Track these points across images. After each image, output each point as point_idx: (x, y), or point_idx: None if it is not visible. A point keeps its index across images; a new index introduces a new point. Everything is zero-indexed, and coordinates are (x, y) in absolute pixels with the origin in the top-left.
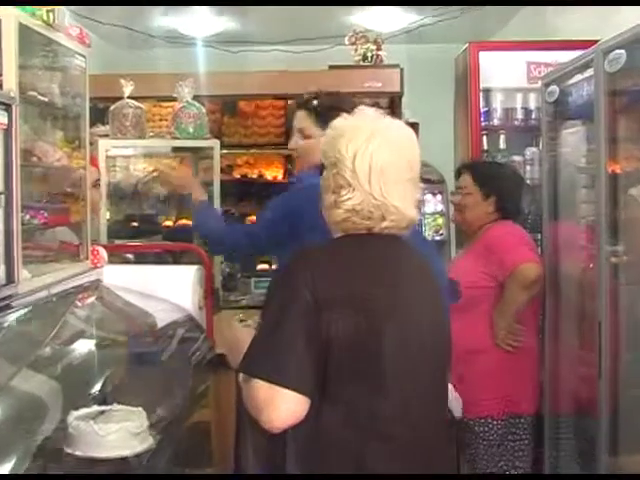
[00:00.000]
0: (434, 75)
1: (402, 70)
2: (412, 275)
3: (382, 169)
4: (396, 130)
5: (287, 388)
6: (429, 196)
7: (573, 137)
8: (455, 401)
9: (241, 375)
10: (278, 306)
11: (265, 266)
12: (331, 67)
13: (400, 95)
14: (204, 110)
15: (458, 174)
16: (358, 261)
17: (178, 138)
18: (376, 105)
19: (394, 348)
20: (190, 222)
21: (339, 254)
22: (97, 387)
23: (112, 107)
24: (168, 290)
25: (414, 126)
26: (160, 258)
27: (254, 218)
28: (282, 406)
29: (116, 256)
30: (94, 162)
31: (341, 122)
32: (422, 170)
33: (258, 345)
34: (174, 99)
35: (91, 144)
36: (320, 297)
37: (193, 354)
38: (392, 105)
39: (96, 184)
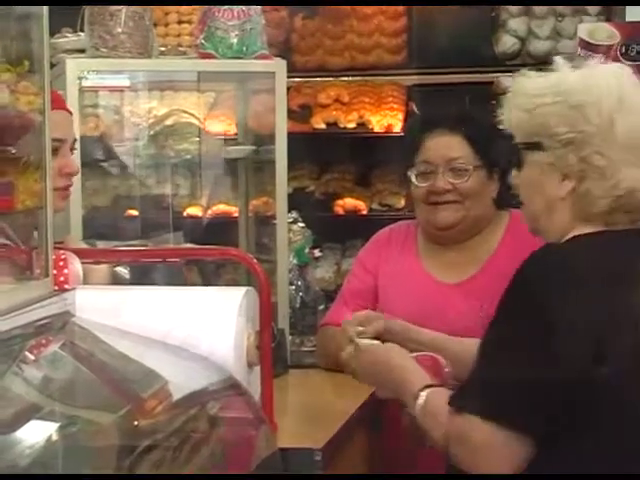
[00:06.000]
0: None
1: None
2: None
3: None
4: None
5: (514, 430)
6: None
7: None
8: None
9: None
10: (522, 323)
11: None
12: None
13: None
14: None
15: None
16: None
17: (212, 57)
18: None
19: None
20: (234, 209)
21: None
22: None
23: None
24: (193, 332)
25: None
26: (178, 274)
27: (349, 202)
28: (503, 450)
29: (99, 270)
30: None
31: (561, 81)
32: None
33: (478, 377)
34: None
35: (53, 66)
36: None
37: (237, 449)
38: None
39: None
